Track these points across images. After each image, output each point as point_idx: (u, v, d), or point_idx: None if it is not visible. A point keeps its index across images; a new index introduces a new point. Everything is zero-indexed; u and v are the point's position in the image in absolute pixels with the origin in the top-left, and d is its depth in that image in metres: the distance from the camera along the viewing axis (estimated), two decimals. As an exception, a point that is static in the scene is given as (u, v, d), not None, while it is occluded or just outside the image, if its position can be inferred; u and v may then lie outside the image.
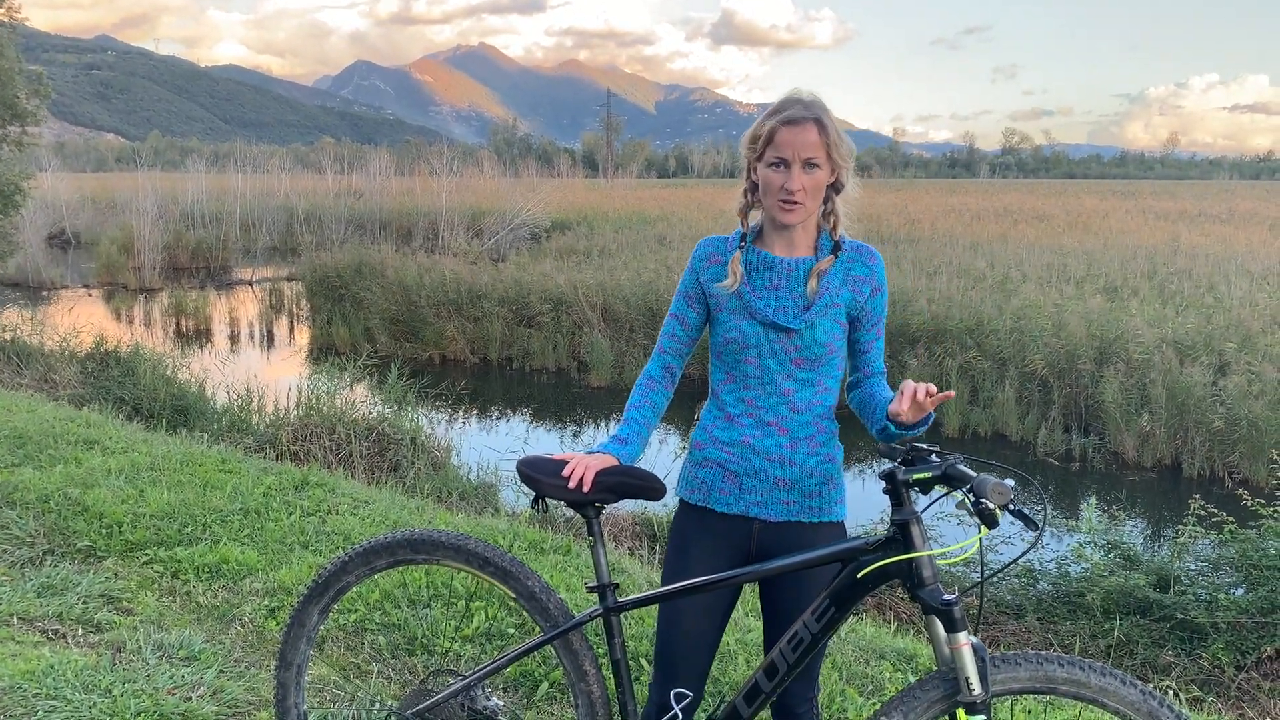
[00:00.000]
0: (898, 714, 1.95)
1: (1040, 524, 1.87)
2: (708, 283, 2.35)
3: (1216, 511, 6.31)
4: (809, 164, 2.19)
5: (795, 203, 2.20)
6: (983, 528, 1.87)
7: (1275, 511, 6.11)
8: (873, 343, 2.36)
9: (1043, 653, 1.94)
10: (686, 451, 2.45)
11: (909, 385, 2.08)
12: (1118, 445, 11.77)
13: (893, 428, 2.15)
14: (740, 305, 2.29)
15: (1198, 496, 6.68)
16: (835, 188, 2.29)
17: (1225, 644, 5.45)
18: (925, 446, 2.06)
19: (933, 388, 2.06)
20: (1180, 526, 6.61)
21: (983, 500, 1.83)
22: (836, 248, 2.31)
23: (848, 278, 2.29)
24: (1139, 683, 1.92)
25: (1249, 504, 6.39)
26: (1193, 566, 6.30)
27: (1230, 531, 6.11)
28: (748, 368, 2.30)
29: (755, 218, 2.37)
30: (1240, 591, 5.85)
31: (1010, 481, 1.85)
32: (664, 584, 2.34)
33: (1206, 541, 6.48)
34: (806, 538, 2.29)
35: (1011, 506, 1.84)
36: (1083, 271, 19.09)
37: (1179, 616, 5.67)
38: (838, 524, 2.34)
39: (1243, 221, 34.14)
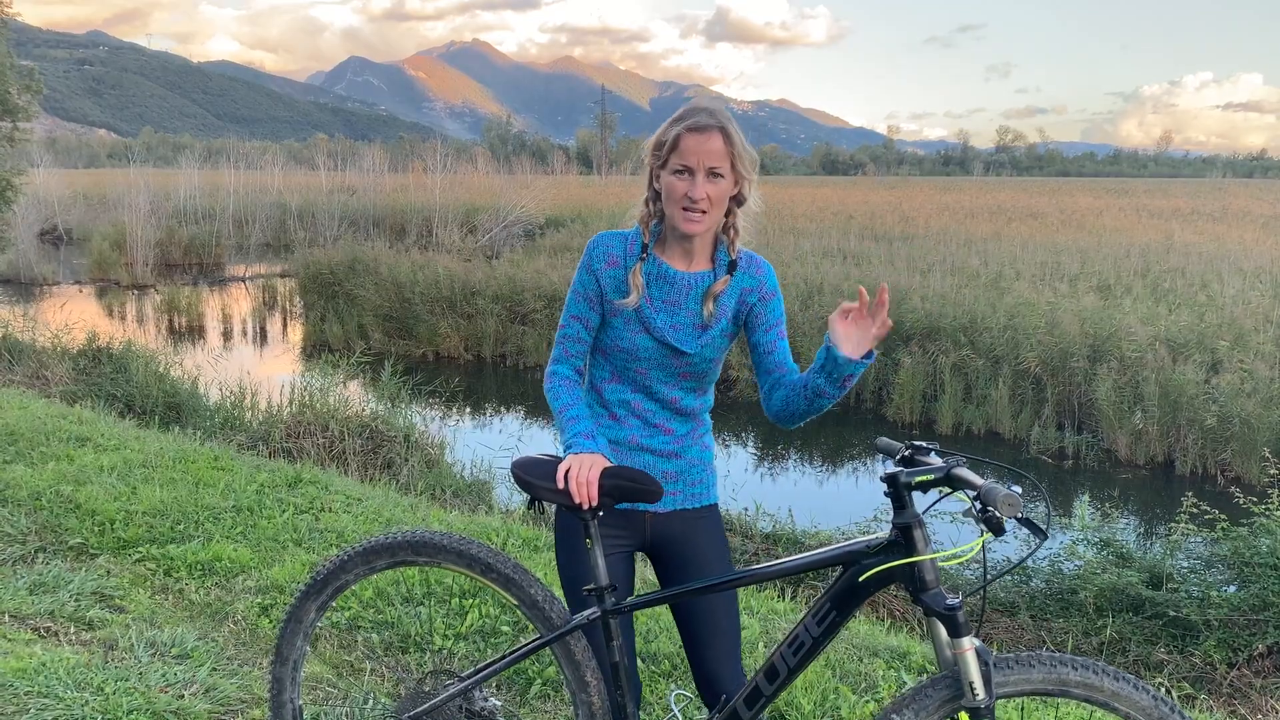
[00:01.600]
0: (909, 711, 1.95)
1: (1047, 532, 1.86)
2: (606, 287, 2.32)
3: (1209, 509, 6.33)
4: (713, 173, 2.17)
5: (700, 211, 2.18)
6: (985, 532, 1.85)
7: (1267, 509, 6.12)
8: (775, 342, 2.33)
9: (1056, 654, 1.93)
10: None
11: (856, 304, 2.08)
12: (1111, 443, 11.80)
13: (839, 358, 2.08)
14: (638, 318, 2.29)
15: (1190, 494, 6.70)
16: (737, 200, 2.28)
17: (1217, 641, 5.47)
18: (925, 445, 2.05)
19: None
20: (1173, 524, 6.62)
21: (990, 509, 1.81)
22: (733, 265, 2.30)
23: (738, 291, 2.31)
24: (1151, 688, 1.90)
25: (1241, 502, 6.41)
26: (1185, 564, 6.32)
27: (1223, 529, 6.12)
28: (637, 376, 2.34)
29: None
30: (1232, 589, 5.87)
31: (1018, 489, 1.82)
32: (565, 587, 2.37)
33: (1199, 539, 6.50)
34: (692, 521, 2.40)
35: (1019, 515, 1.81)
36: (1076, 269, 19.13)
37: (1171, 614, 5.68)
38: (714, 505, 2.45)
39: (1236, 220, 34.23)
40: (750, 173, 2.24)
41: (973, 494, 1.86)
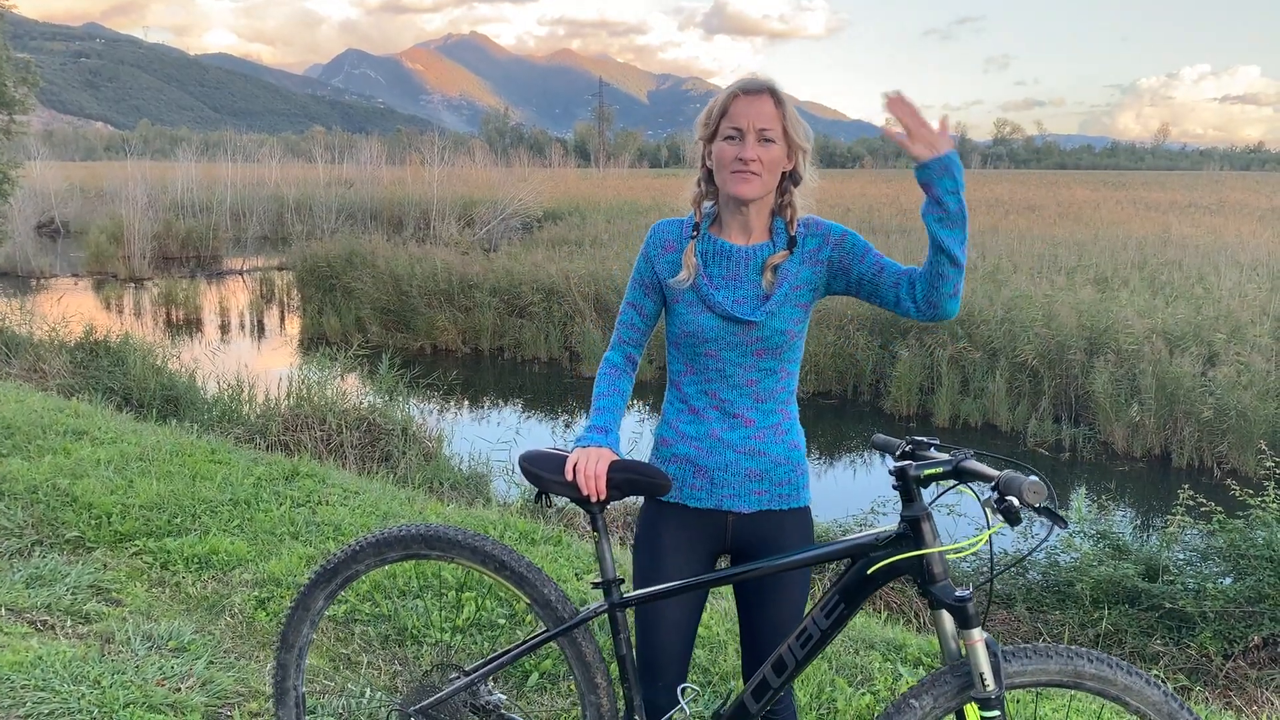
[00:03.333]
0: (928, 698, 1.96)
1: (1066, 521, 1.86)
2: (662, 272, 2.30)
3: (1205, 501, 6.34)
4: (764, 136, 2.14)
5: (751, 172, 2.14)
6: (994, 523, 1.85)
7: (1263, 501, 6.14)
8: (878, 260, 2.21)
9: (1073, 648, 1.96)
10: (653, 447, 2.42)
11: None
12: (1107, 435, 11.81)
13: (930, 181, 2.04)
14: (697, 297, 2.24)
15: (1187, 486, 6.71)
16: (793, 178, 2.24)
17: (1213, 633, 5.48)
18: (925, 439, 2.05)
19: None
20: (1169, 516, 6.64)
21: (1009, 498, 1.80)
22: (792, 243, 2.24)
23: (803, 256, 2.24)
24: (1162, 684, 1.93)
25: (1237, 494, 6.42)
26: (1181, 556, 6.33)
27: (1219, 521, 6.13)
28: (708, 360, 2.27)
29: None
30: (1228, 581, 5.88)
31: (1035, 478, 1.81)
32: (636, 582, 2.34)
33: (1195, 531, 6.52)
34: (777, 524, 2.31)
35: (1042, 503, 1.81)
36: (1073, 262, 19.13)
37: (1167, 606, 5.70)
38: (805, 508, 2.36)
39: (1232, 212, 34.23)
40: (804, 143, 2.20)
41: (989, 484, 1.85)
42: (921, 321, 2.26)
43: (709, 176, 2.26)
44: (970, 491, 1.97)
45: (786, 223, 2.26)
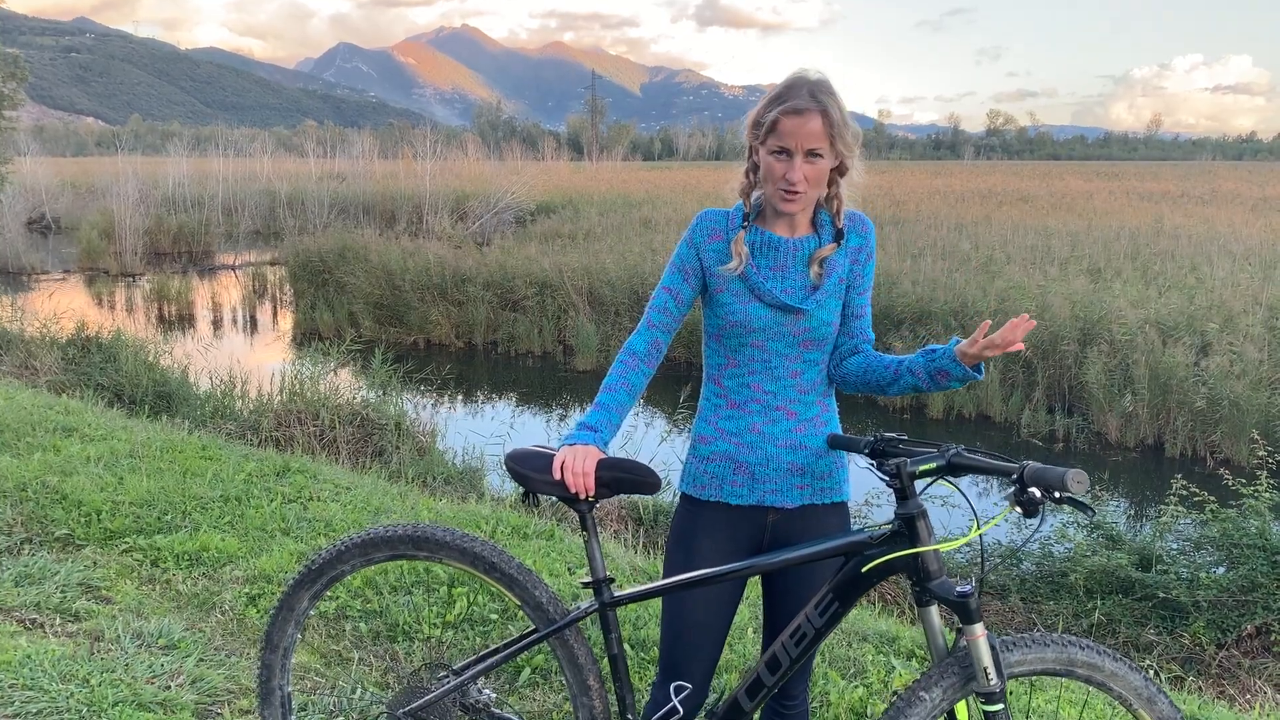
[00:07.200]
0: (937, 690, 1.96)
1: (1094, 509, 1.86)
2: (708, 261, 2.26)
3: (1198, 491, 6.35)
4: (812, 153, 2.13)
5: (796, 192, 2.15)
6: (995, 515, 1.84)
7: (1256, 491, 6.14)
8: (864, 306, 2.32)
9: (1066, 636, 1.97)
10: (690, 446, 2.38)
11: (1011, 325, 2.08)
12: (1101, 425, 11.83)
13: (953, 369, 2.14)
14: (746, 287, 2.22)
15: (1180, 476, 6.72)
16: (840, 171, 2.24)
17: (1206, 622, 5.49)
18: (893, 435, 2.04)
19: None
20: (1162, 506, 6.64)
21: (1031, 490, 1.78)
22: (839, 235, 2.26)
23: (848, 251, 2.28)
24: (1143, 670, 1.96)
25: (1230, 483, 6.42)
26: (1174, 546, 6.34)
27: (1212, 511, 6.14)
28: (754, 351, 2.25)
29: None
30: (1221, 570, 5.89)
31: (1076, 469, 1.79)
32: (666, 571, 2.31)
33: (1188, 521, 6.52)
34: (818, 519, 2.29)
35: (1080, 494, 1.78)
36: (1066, 253, 19.13)
37: (1161, 595, 5.70)
38: (844, 503, 2.35)
39: (1225, 202, 34.28)
40: (852, 147, 2.19)
41: (1010, 476, 1.83)
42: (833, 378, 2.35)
43: (756, 168, 2.23)
44: (953, 485, 1.99)
45: (833, 215, 2.28)
